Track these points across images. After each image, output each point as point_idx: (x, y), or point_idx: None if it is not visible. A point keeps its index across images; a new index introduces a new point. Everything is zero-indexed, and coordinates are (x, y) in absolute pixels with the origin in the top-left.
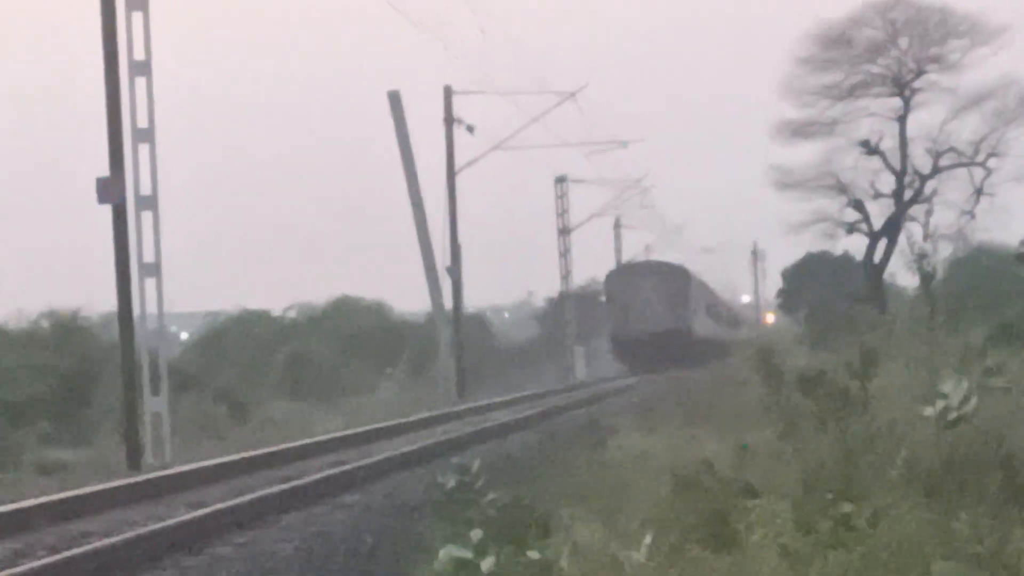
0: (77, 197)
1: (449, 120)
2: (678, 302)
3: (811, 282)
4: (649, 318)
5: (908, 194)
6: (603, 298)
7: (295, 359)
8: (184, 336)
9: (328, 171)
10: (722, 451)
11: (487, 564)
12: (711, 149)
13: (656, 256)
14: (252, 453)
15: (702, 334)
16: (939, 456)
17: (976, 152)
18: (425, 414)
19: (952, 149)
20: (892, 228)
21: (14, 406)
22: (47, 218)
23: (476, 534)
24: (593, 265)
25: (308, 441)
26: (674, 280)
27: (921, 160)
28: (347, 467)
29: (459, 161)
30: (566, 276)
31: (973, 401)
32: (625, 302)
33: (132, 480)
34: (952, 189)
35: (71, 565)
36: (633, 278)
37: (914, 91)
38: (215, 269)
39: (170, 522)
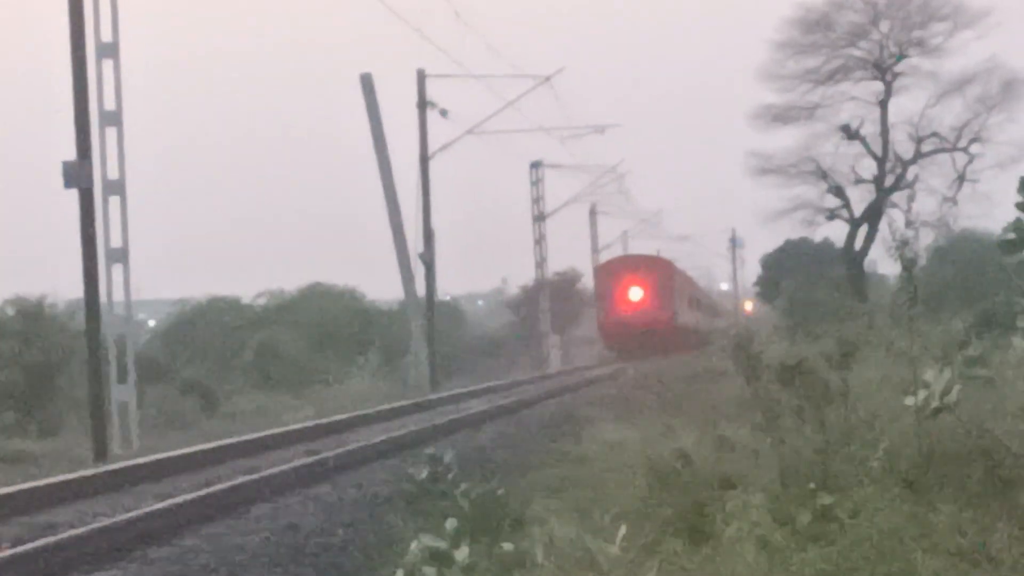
0: (43, 181)
1: (422, 104)
2: (663, 293)
3: (790, 270)
4: (636, 308)
5: (889, 180)
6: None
7: (265, 349)
8: (152, 324)
9: (300, 156)
10: (699, 443)
11: (461, 555)
12: (688, 135)
13: (633, 243)
14: (221, 443)
15: (685, 323)
16: (920, 447)
17: (959, 138)
18: (397, 404)
19: (934, 134)
20: (873, 215)
21: None
22: (12, 203)
23: (451, 523)
24: (569, 253)
25: (278, 431)
26: (659, 273)
27: (903, 146)
28: (317, 458)
29: (433, 146)
30: (541, 263)
31: (955, 391)
32: (613, 293)
33: (99, 471)
34: (934, 175)
35: (36, 557)
36: (621, 270)
37: (896, 75)
38: (184, 255)
39: (137, 513)
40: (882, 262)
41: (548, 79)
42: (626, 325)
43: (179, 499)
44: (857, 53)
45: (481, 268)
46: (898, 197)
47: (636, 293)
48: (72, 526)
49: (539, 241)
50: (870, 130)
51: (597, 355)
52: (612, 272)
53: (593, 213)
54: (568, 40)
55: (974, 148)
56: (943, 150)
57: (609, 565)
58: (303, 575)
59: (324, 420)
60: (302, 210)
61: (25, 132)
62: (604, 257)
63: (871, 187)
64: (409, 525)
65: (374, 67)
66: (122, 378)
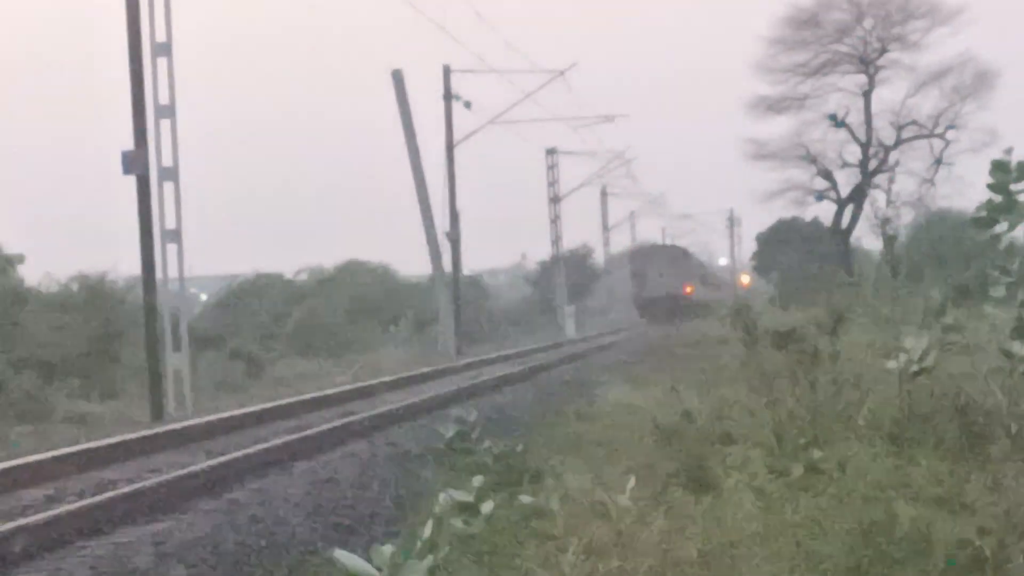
0: (103, 169)
1: (448, 96)
2: (681, 274)
3: (783, 246)
4: (661, 285)
5: (873, 164)
6: (628, 268)
7: (306, 319)
8: (203, 298)
9: (337, 143)
10: (701, 403)
11: (487, 507)
12: (690, 122)
13: (639, 222)
14: (266, 406)
15: (698, 296)
16: (901, 406)
17: (936, 125)
18: (426, 369)
19: (913, 122)
20: (858, 195)
21: (47, 364)
22: (75, 188)
23: (477, 480)
24: (582, 231)
25: (318, 394)
26: (678, 257)
27: (885, 132)
28: (354, 418)
29: (457, 135)
30: (556, 241)
31: (933, 355)
32: (644, 273)
33: (155, 431)
34: (913, 159)
35: (98, 510)
36: (650, 256)
37: (878, 68)
38: (232, 235)
39: (191, 469)
40: (866, 238)
41: (562, 73)
42: (654, 299)
43: (228, 456)
44: (843, 48)
45: (502, 245)
46: (881, 179)
47: (660, 273)
48: (131, 481)
49: (554, 220)
50: (855, 118)
51: (608, 323)
52: (642, 256)
53: (603, 195)
54: (580, 35)
55: (950, 134)
56: (921, 136)
57: (619, 514)
58: (341, 521)
59: (360, 384)
60: (339, 192)
61: (87, 123)
62: (614, 235)
63: (856, 170)
64: (438, 479)
65: (401, 61)
66: (176, 347)
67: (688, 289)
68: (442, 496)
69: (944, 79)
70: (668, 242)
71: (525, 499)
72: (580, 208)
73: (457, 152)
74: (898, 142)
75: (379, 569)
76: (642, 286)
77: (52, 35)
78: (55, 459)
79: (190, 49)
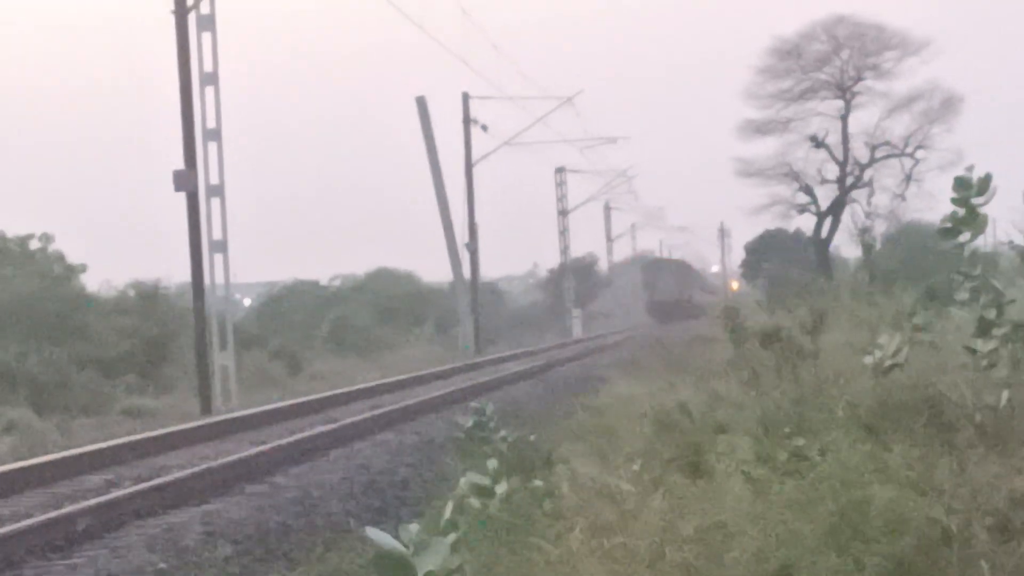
0: (156, 187)
1: (467, 121)
2: (684, 283)
3: (769, 255)
4: (668, 292)
5: (850, 180)
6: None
7: (339, 321)
8: (247, 302)
9: (367, 160)
10: (695, 396)
11: (501, 489)
12: (686, 143)
13: (640, 234)
14: (304, 399)
15: (697, 301)
16: (877, 398)
17: (906, 145)
18: (447, 366)
19: (886, 143)
20: (836, 209)
21: (106, 362)
22: (131, 204)
23: (492, 464)
24: (587, 242)
25: (350, 389)
26: (681, 269)
27: (860, 152)
28: (383, 410)
29: (475, 155)
30: (565, 250)
31: (904, 352)
32: (654, 283)
33: (204, 422)
34: (886, 176)
35: (153, 492)
36: (659, 268)
37: (854, 94)
38: (273, 245)
39: (236, 456)
40: (844, 247)
41: (570, 99)
42: (662, 304)
43: (270, 444)
44: (822, 77)
45: (515, 254)
46: (857, 194)
47: (668, 283)
48: (182, 467)
49: (563, 232)
50: (833, 139)
51: (611, 325)
52: (653, 268)
53: (607, 209)
54: (587, 62)
55: (919, 154)
56: (893, 156)
57: (623, 496)
58: (372, 503)
59: (388, 380)
60: (370, 205)
61: (138, 143)
62: (617, 245)
63: (835, 186)
64: (458, 465)
65: (424, 86)
66: (223, 346)
67: (689, 295)
68: (462, 480)
69: (914, 104)
70: (666, 253)
71: (537, 483)
72: (586, 221)
73: (475, 171)
74: (872, 161)
75: (406, 546)
76: (652, 292)
77: (114, 64)
78: (114, 448)
79: (236, 77)
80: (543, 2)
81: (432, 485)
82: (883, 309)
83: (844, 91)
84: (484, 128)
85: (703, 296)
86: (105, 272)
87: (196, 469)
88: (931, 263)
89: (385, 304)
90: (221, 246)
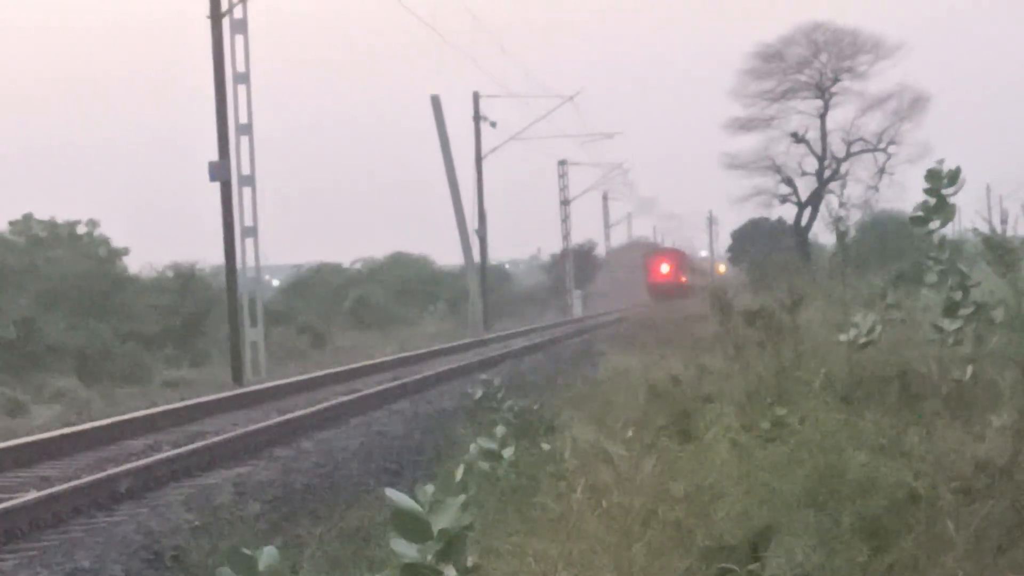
0: (192, 176)
1: (477, 118)
2: (679, 268)
3: (753, 241)
4: (665, 276)
5: (827, 173)
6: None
7: (360, 300)
8: (275, 283)
9: (386, 153)
10: (685, 369)
11: (508, 452)
12: (677, 138)
13: (635, 221)
14: (327, 371)
15: (690, 283)
16: (851, 371)
17: (879, 141)
18: (458, 342)
19: (861, 139)
20: (815, 199)
21: (147, 337)
22: (169, 192)
23: (499, 430)
24: (587, 229)
25: (369, 362)
26: (677, 256)
27: (837, 147)
28: (399, 382)
29: (484, 148)
30: (566, 236)
31: (877, 330)
32: (656, 268)
33: (236, 392)
34: (861, 169)
35: (190, 456)
36: (658, 255)
37: (832, 95)
38: (299, 229)
39: (265, 423)
40: (822, 235)
41: (571, 98)
42: (660, 285)
43: (296, 413)
44: (802, 78)
45: (521, 240)
46: (834, 186)
47: (666, 268)
48: (215, 433)
49: (564, 220)
50: (812, 135)
51: (608, 304)
52: (653, 256)
53: (605, 199)
54: (586, 60)
55: (891, 149)
56: (867, 150)
57: (618, 459)
58: (390, 466)
59: (404, 354)
60: (388, 192)
61: (177, 140)
62: (613, 232)
63: (813, 178)
64: (468, 431)
65: (437, 86)
66: (253, 323)
67: (683, 278)
68: (472, 445)
69: (886, 103)
70: (660, 240)
71: (543, 447)
72: (585, 209)
73: (484, 163)
74: (848, 155)
75: (422, 505)
76: (652, 276)
77: (155, 63)
78: (153, 415)
79: (266, 75)
80: (547, 5)
81: (444, 450)
82: (857, 291)
83: (822, 91)
84: (493, 124)
85: (695, 278)
86: (146, 255)
87: (228, 435)
88: (901, 248)
89: (402, 285)
90: (252, 231)
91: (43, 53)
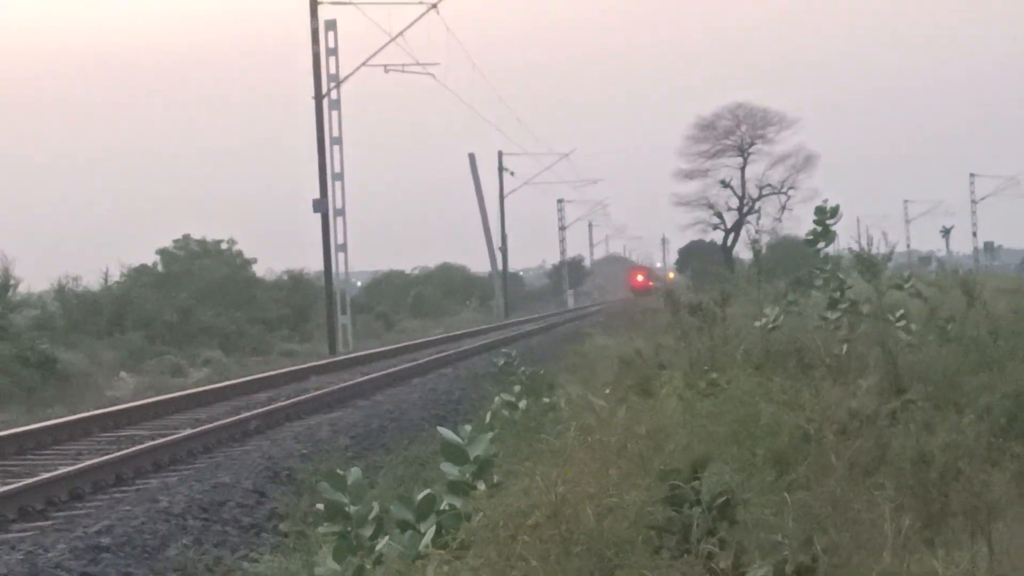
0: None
1: (500, 169)
2: (647, 277)
3: (694, 256)
4: (640, 282)
5: (745, 209)
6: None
7: (417, 296)
8: (359, 284)
9: (435, 190)
10: (647, 346)
11: (522, 404)
12: (642, 180)
13: (612, 241)
14: (396, 345)
15: (654, 286)
16: (763, 348)
17: (782, 186)
18: (486, 326)
19: (769, 185)
20: (737, 227)
21: (269, 321)
22: (286, 218)
23: (516, 388)
24: (577, 246)
25: (425, 340)
26: (646, 270)
27: (753, 190)
28: (445, 354)
29: (506, 190)
30: (563, 252)
31: (781, 319)
32: (634, 277)
33: (331, 360)
34: (769, 206)
35: (299, 404)
36: (635, 269)
37: (749, 154)
38: (375, 246)
39: (352, 382)
40: (742, 252)
41: (567, 155)
42: (637, 288)
43: (373, 375)
44: (728, 142)
45: (531, 254)
46: (751, 218)
47: (640, 277)
48: (317, 389)
49: (561, 241)
50: (735, 183)
51: (594, 300)
52: (632, 270)
53: (590, 226)
54: (582, 117)
55: (790, 192)
56: (774, 193)
57: (599, 409)
58: (439, 412)
59: (449, 334)
60: (437, 220)
61: (292, 183)
62: (597, 250)
63: (736, 213)
64: (494, 389)
65: (471, 145)
66: (343, 311)
67: (650, 283)
68: (496, 398)
69: (787, 160)
70: (629, 256)
71: (546, 400)
72: (577, 233)
73: (505, 201)
74: (760, 196)
75: (462, 439)
76: (632, 282)
77: (273, 129)
78: (273, 376)
79: (354, 138)
80: (554, 85)
81: (477, 402)
82: (766, 291)
83: (743, 151)
84: (511, 173)
85: (657, 283)
86: (269, 263)
87: (326, 390)
88: (798, 262)
89: (447, 286)
90: (343, 248)
91: (191, 125)
